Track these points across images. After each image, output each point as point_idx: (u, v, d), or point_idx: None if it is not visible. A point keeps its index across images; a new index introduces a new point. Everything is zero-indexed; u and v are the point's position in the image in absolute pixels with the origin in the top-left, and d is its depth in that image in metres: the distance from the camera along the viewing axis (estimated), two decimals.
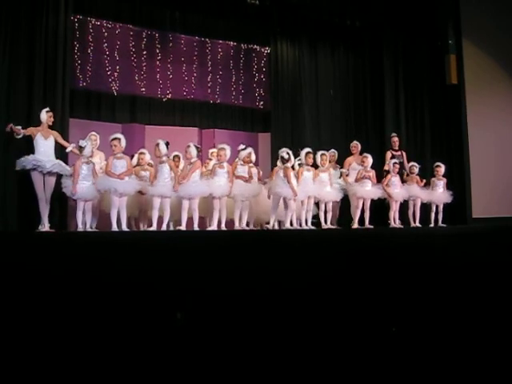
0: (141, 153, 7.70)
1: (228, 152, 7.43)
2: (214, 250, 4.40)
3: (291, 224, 7.71)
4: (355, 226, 8.48)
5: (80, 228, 6.71)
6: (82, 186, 6.73)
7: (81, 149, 6.82)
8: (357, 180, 8.56)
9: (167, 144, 7.17)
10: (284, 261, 3.95)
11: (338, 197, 8.46)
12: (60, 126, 7.72)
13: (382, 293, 3.27)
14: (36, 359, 2.41)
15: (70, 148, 7.17)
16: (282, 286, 3.37)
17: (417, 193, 8.99)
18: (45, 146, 6.83)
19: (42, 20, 8.02)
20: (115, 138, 6.93)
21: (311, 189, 7.95)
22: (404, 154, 9.67)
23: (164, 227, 7.06)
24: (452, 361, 2.32)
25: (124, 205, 6.82)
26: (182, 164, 7.83)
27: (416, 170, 9.14)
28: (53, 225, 7.04)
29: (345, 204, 8.86)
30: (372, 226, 8.49)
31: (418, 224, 9.01)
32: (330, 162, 8.80)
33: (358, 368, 2.24)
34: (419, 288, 3.46)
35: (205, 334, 2.71)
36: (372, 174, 8.58)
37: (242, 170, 7.57)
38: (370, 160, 8.57)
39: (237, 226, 7.37)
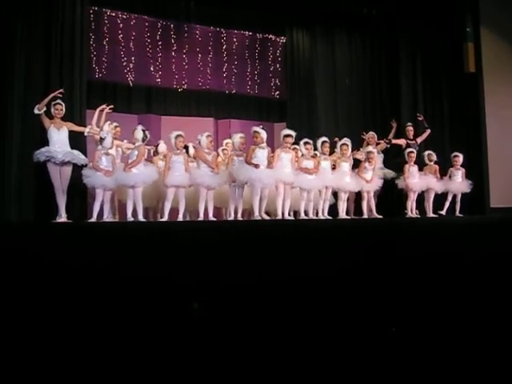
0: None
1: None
2: (229, 241, 4.40)
3: (306, 214, 7.67)
4: (365, 216, 8.41)
5: (94, 219, 6.72)
6: (102, 176, 6.76)
7: (101, 140, 6.87)
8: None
9: (179, 136, 7.19)
10: (298, 251, 3.94)
11: (357, 188, 8.31)
12: (77, 118, 7.79)
13: (388, 290, 3.26)
14: (52, 351, 2.42)
15: (87, 130, 7.28)
16: (292, 277, 3.36)
17: (431, 184, 8.91)
18: (58, 137, 6.88)
19: (59, 12, 8.07)
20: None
21: (329, 179, 7.89)
22: (419, 139, 9.66)
23: (180, 218, 7.06)
24: (454, 361, 2.31)
25: (139, 195, 6.83)
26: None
27: (434, 158, 9.08)
28: (73, 216, 7.09)
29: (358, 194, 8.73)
30: (381, 216, 8.40)
31: (432, 214, 8.95)
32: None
33: (358, 367, 2.23)
34: (429, 282, 3.44)
35: (221, 325, 2.71)
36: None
37: (261, 154, 7.13)
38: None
39: (256, 216, 7.05)
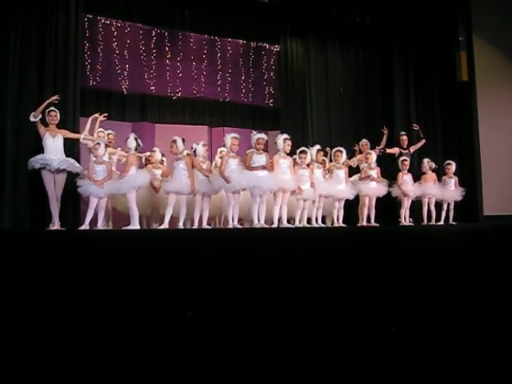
0: (152, 151, 7.82)
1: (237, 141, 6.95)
2: (226, 249, 4.40)
3: (300, 222, 7.63)
4: (363, 223, 8.39)
5: (86, 226, 6.63)
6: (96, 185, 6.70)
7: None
8: (361, 179, 8.46)
9: (183, 140, 7.06)
10: (291, 259, 3.94)
11: (352, 195, 8.17)
12: (71, 125, 7.76)
13: (386, 292, 3.26)
14: (47, 354, 2.41)
15: (82, 137, 7.29)
16: (288, 283, 3.36)
17: (432, 191, 8.95)
18: (53, 144, 6.85)
19: (53, 19, 8.04)
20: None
21: (323, 187, 7.83)
22: (412, 148, 9.68)
23: (181, 226, 6.95)
24: (454, 361, 2.31)
25: (133, 202, 6.74)
26: None
27: (433, 166, 9.12)
28: (65, 223, 7.05)
29: (352, 201, 8.60)
30: (378, 224, 8.39)
31: (433, 222, 8.96)
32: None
33: (358, 367, 2.23)
34: (426, 287, 3.45)
35: (214, 333, 2.71)
36: (377, 171, 8.50)
37: (258, 160, 6.89)
38: (373, 157, 8.50)
39: (256, 224, 6.82)
